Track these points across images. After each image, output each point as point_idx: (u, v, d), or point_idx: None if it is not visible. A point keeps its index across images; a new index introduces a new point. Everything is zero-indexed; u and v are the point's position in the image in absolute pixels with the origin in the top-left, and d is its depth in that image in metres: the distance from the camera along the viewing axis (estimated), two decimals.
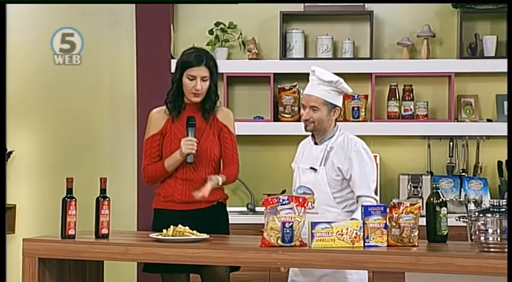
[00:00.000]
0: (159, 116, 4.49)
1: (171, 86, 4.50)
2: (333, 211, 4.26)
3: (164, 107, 4.52)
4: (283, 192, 5.85)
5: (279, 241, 3.74)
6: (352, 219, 4.09)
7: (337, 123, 4.42)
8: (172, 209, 4.43)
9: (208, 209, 4.45)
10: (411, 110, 6.14)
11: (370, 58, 6.15)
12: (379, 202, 4.27)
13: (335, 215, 4.21)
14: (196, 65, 4.41)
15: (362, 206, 3.85)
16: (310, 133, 4.46)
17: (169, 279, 4.45)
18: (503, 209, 3.61)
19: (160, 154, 4.48)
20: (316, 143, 4.40)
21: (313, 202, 4.22)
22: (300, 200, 3.78)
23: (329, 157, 4.31)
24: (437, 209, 3.89)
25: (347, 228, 3.73)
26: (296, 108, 6.15)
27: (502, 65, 5.88)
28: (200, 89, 4.41)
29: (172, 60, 6.16)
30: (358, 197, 4.25)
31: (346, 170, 4.27)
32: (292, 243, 3.74)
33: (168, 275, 4.42)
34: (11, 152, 6.34)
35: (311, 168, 4.33)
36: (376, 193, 4.34)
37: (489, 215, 3.62)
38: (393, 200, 3.87)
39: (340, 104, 4.39)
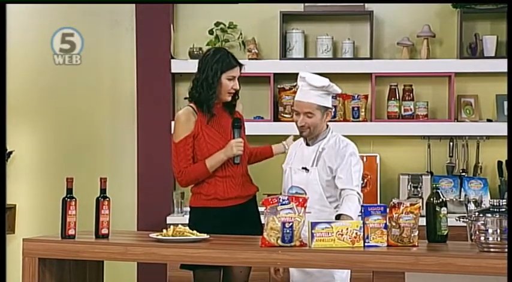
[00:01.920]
0: (188, 118, 4.49)
1: (207, 88, 4.47)
2: (326, 211, 4.27)
3: (188, 108, 4.52)
4: None
5: (279, 241, 3.74)
6: (338, 215, 4.09)
7: (329, 124, 4.45)
8: (214, 207, 4.48)
9: (247, 203, 4.57)
10: (411, 110, 6.14)
11: (370, 58, 6.14)
12: (362, 197, 4.27)
13: (327, 215, 4.22)
14: (236, 66, 4.55)
15: (362, 206, 3.85)
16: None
17: (202, 276, 4.45)
18: (503, 209, 3.61)
19: (193, 155, 4.51)
20: (308, 144, 4.42)
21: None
22: (300, 200, 3.78)
23: (321, 157, 4.34)
24: (437, 209, 3.89)
25: (347, 228, 3.74)
26: None
27: (502, 65, 5.88)
28: (237, 88, 4.57)
29: (172, 60, 6.17)
30: (342, 190, 4.26)
31: (335, 169, 4.30)
32: (292, 243, 3.74)
33: (201, 272, 4.43)
34: (11, 152, 6.34)
35: (303, 168, 4.35)
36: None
37: (489, 215, 3.62)
38: (393, 200, 3.87)
39: (330, 105, 4.41)
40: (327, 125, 4.44)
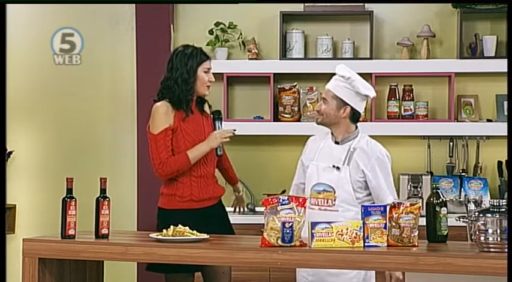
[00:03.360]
0: (166, 110, 4.48)
1: (183, 84, 4.48)
2: (353, 209, 4.26)
3: (166, 102, 4.50)
4: (283, 192, 5.85)
5: (279, 241, 3.74)
6: None
7: (358, 125, 4.40)
8: (189, 209, 4.48)
9: (217, 204, 4.60)
10: (411, 110, 6.14)
11: (370, 58, 6.15)
12: None
13: (353, 214, 4.21)
14: (208, 59, 4.58)
15: (362, 206, 3.85)
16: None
17: (173, 279, 4.46)
18: (503, 209, 3.61)
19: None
20: (337, 143, 4.39)
21: (334, 200, 4.25)
22: (300, 200, 3.78)
23: (353, 157, 4.30)
24: (437, 209, 3.89)
25: (347, 228, 3.73)
26: (296, 108, 6.15)
27: (502, 65, 5.88)
28: (213, 80, 4.59)
29: None
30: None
31: (369, 176, 4.28)
32: (292, 243, 3.73)
33: (172, 275, 4.43)
34: (11, 152, 6.34)
35: (334, 166, 4.32)
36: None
37: (489, 215, 3.62)
38: (393, 200, 3.87)
39: (354, 105, 4.32)
40: (356, 126, 4.39)
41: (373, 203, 4.28)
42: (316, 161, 4.40)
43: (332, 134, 4.40)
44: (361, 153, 4.30)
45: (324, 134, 4.46)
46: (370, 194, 4.33)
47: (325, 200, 4.26)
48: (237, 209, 5.02)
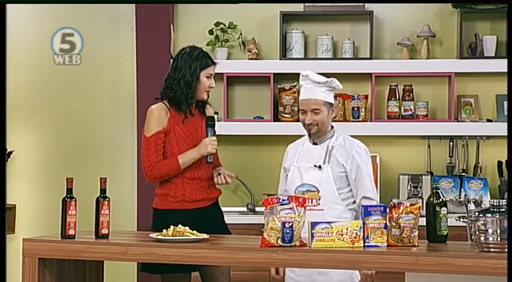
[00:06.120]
0: (161, 113, 4.47)
1: (185, 86, 4.46)
2: (338, 208, 4.32)
3: (161, 104, 4.50)
4: None
5: (279, 241, 3.74)
6: None
7: (333, 124, 4.49)
8: (182, 209, 4.46)
9: (213, 205, 4.57)
10: (411, 110, 6.14)
11: (370, 58, 6.15)
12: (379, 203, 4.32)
13: (339, 212, 4.29)
14: (213, 64, 4.55)
15: (362, 206, 3.86)
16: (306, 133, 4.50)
17: (168, 279, 4.46)
18: (503, 209, 3.61)
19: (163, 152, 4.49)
20: (315, 143, 4.43)
21: (319, 199, 4.28)
22: (300, 200, 3.78)
23: (332, 155, 4.38)
24: (437, 209, 3.89)
25: (347, 228, 3.73)
26: (296, 108, 6.15)
27: (502, 65, 5.88)
28: (214, 86, 4.57)
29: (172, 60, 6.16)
30: (364, 197, 4.32)
31: (349, 170, 4.35)
32: (292, 243, 3.74)
33: (168, 275, 4.44)
34: (11, 152, 6.34)
35: (315, 166, 4.36)
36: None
37: (489, 215, 3.62)
38: (393, 200, 3.87)
39: (333, 102, 4.46)
40: (332, 126, 4.47)
41: (354, 200, 4.36)
42: (296, 162, 4.45)
43: (309, 136, 4.45)
44: (340, 149, 4.39)
45: (301, 139, 4.54)
46: (350, 191, 4.38)
47: (310, 200, 4.29)
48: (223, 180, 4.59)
